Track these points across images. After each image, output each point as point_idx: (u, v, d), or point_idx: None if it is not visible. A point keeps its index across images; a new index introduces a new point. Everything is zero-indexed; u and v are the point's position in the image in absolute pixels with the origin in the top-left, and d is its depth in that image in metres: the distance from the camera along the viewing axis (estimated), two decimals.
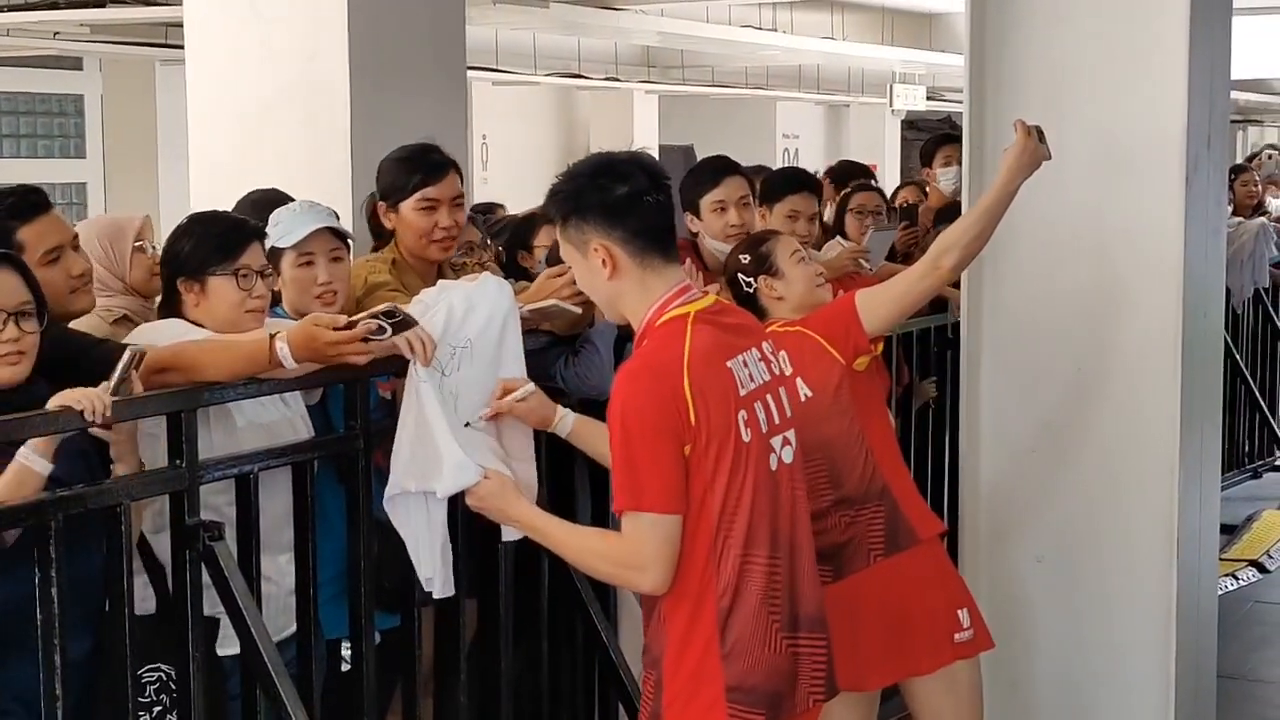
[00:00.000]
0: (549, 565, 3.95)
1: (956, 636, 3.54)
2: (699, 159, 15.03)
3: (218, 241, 3.37)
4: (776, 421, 2.89)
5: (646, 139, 15.82)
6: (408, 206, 3.86)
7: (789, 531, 2.89)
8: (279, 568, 3.33)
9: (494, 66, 13.62)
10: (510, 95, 15.15)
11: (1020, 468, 4.16)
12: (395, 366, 3.25)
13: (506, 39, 13.58)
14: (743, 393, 2.84)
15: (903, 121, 19.31)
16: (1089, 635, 4.11)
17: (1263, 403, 8.97)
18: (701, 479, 2.76)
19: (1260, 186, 9.74)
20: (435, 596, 3.33)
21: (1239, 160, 11.37)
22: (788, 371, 2.99)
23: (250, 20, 4.68)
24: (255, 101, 4.70)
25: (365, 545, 3.41)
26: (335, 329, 3.04)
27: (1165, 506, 3.98)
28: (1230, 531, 7.82)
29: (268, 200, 3.96)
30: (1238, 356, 8.78)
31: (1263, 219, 8.91)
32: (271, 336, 3.06)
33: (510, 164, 15.00)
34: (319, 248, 3.67)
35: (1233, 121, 26.85)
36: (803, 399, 3.33)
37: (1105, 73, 3.99)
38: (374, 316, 3.05)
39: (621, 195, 2.82)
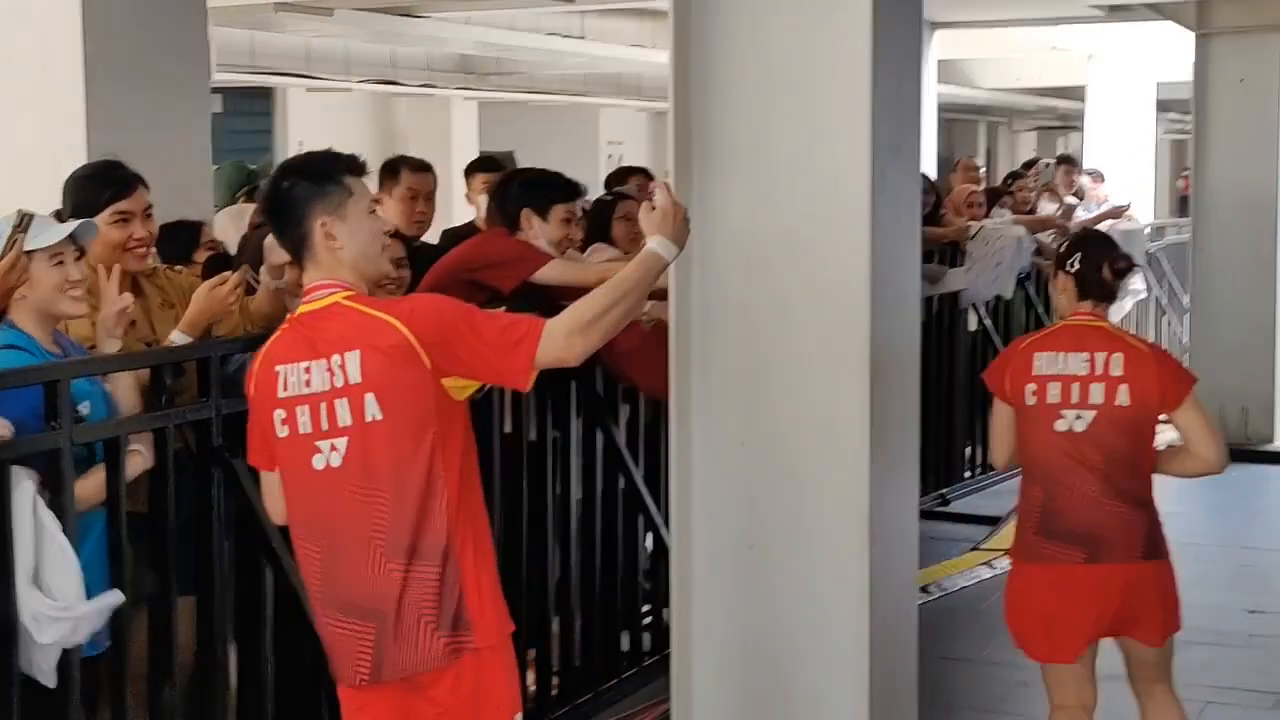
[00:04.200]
0: (268, 562, 4.07)
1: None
2: (519, 166, 15.10)
3: None
4: (325, 428, 3.25)
5: (466, 145, 15.93)
6: (102, 220, 4.02)
7: (327, 526, 3.28)
8: None
9: (305, 73, 13.64)
10: (326, 102, 15.16)
11: (731, 460, 4.35)
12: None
13: (320, 45, 13.60)
14: (282, 395, 3.26)
15: None
16: (793, 618, 4.32)
17: None
18: (269, 448, 3.37)
19: (1035, 192, 10.14)
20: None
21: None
22: (354, 382, 3.24)
23: None
24: None
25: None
26: None
27: (858, 495, 4.19)
28: (995, 523, 8.16)
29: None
30: None
31: (1021, 231, 9.23)
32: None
33: None
34: (65, 247, 3.78)
35: (1054, 128, 27.95)
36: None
37: (799, 91, 4.19)
38: None
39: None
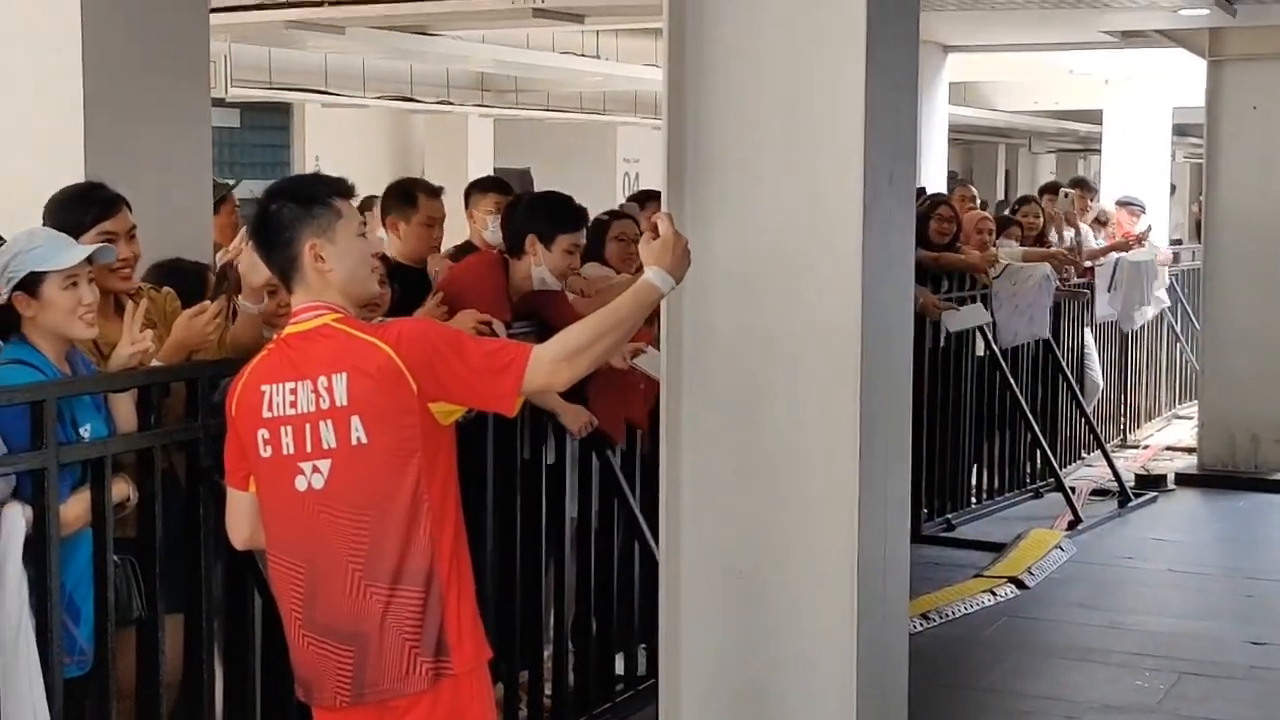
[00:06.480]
0: (256, 582, 4.07)
1: None
2: (535, 182, 15.10)
3: None
4: (308, 450, 3.26)
5: (482, 162, 15.97)
6: (87, 241, 3.99)
7: (310, 547, 3.27)
8: None
9: (323, 89, 13.70)
10: (344, 117, 15.21)
11: (720, 486, 4.35)
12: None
13: (338, 61, 13.66)
14: (267, 415, 3.26)
15: None
16: (781, 646, 4.30)
17: (1037, 430, 9.30)
18: (245, 468, 3.40)
19: (1041, 218, 10.12)
20: None
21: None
22: (341, 405, 3.26)
23: None
24: None
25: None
26: None
27: (847, 522, 4.18)
28: (999, 549, 8.14)
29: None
30: (1016, 389, 9.14)
31: (1047, 269, 9.25)
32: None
33: None
34: (80, 270, 3.78)
35: (1074, 151, 27.97)
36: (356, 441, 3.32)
37: (792, 118, 4.19)
38: None
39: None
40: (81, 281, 3.75)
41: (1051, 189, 11.23)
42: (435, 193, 6.30)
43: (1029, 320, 9.18)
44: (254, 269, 3.98)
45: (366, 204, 6.99)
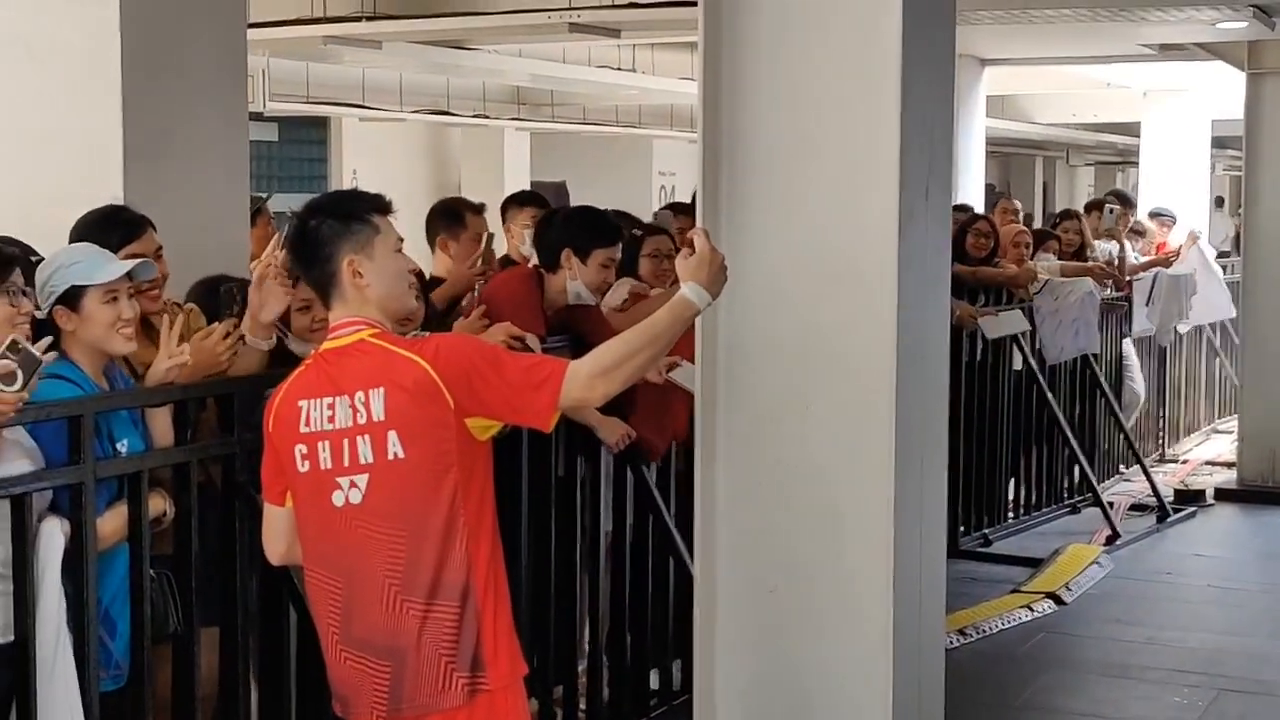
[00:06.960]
0: (292, 597, 4.08)
1: None
2: (571, 196, 15.10)
3: None
4: (346, 465, 3.26)
5: (518, 175, 16.01)
6: None
7: (347, 562, 3.27)
8: None
9: (360, 103, 13.77)
10: (381, 131, 15.27)
11: (754, 501, 4.34)
12: None
13: (375, 75, 13.72)
14: (305, 430, 3.27)
15: None
16: (816, 662, 4.29)
17: (1075, 444, 9.25)
18: (283, 483, 3.39)
19: (1081, 235, 10.06)
20: None
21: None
22: (378, 420, 3.26)
23: (23, 60, 4.80)
24: (28, 143, 4.81)
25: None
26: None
27: (882, 538, 4.17)
28: (1036, 565, 8.09)
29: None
30: (1054, 404, 9.10)
31: (1090, 284, 9.21)
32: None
33: None
34: (120, 285, 3.80)
35: (1111, 164, 27.84)
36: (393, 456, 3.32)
37: (826, 133, 4.19)
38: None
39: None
40: (121, 296, 3.78)
41: (1097, 205, 11.15)
42: (479, 210, 6.31)
43: (1075, 335, 9.13)
44: (265, 305, 3.98)
45: None
